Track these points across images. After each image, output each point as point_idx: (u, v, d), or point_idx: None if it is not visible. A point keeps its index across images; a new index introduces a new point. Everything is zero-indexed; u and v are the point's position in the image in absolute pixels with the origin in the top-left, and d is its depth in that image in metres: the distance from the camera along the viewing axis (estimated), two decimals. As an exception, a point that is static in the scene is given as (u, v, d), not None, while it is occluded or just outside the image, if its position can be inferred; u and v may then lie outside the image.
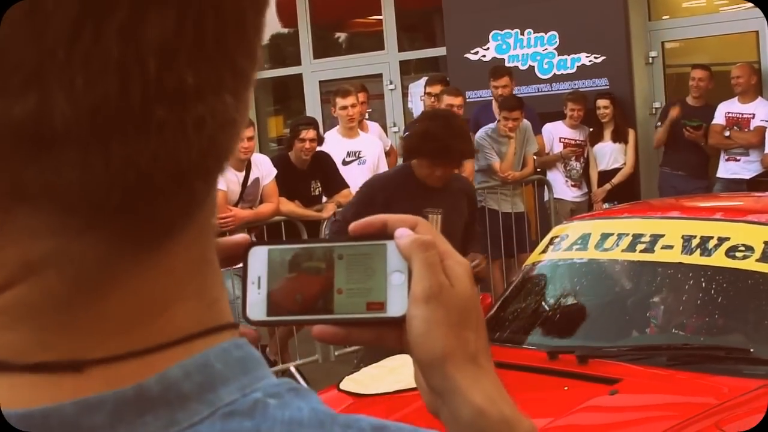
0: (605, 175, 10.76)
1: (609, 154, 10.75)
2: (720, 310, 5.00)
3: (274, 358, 8.78)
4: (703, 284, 5.00)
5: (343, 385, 5.11)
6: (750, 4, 10.13)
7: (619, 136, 10.73)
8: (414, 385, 4.03)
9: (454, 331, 0.95)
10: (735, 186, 9.86)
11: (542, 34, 11.59)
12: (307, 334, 7.86)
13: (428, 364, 0.96)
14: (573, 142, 10.81)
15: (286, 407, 0.70)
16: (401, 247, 0.96)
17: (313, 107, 13.57)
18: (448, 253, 0.97)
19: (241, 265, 0.98)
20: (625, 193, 10.41)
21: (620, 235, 5.34)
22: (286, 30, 14.80)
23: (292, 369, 8.61)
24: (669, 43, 11.55)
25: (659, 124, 10.82)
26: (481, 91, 11.16)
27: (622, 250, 5.27)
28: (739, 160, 10.24)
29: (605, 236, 5.42)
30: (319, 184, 8.83)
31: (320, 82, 13.94)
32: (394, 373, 5.13)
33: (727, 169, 10.35)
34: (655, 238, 5.18)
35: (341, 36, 15.00)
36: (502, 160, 9.94)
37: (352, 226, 0.99)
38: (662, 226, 5.33)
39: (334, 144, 9.39)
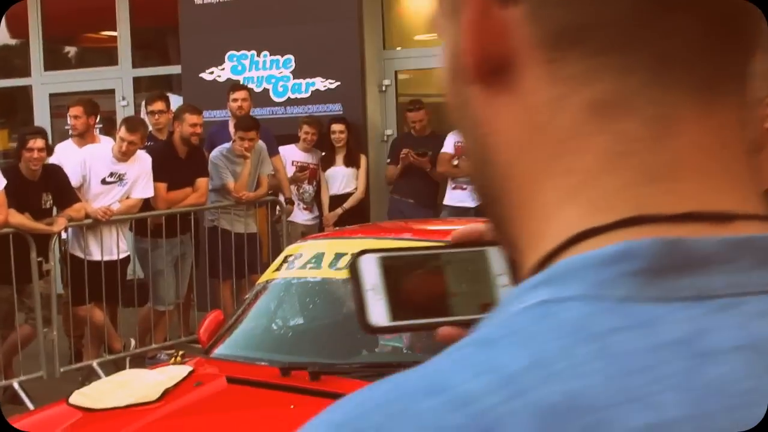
0: (337, 200, 10.93)
1: (341, 179, 10.94)
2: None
3: (-5, 374, 8.53)
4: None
5: (73, 400, 5.03)
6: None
7: (351, 161, 10.93)
8: (145, 399, 4.06)
9: None
10: (461, 214, 10.19)
11: (278, 57, 11.70)
12: (32, 350, 7.65)
13: None
14: (306, 165, 10.94)
15: None
16: None
17: (42, 120, 13.22)
18: None
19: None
20: (355, 218, 10.61)
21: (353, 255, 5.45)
22: (14, 41, 14.42)
23: (16, 385, 8.36)
24: (402, 72, 11.86)
25: (389, 161, 11.08)
26: (215, 111, 11.15)
27: (355, 270, 5.39)
28: (465, 189, 10.56)
29: (339, 256, 5.54)
30: (50, 196, 8.63)
31: (51, 95, 13.61)
32: (123, 387, 5.09)
33: (453, 197, 10.70)
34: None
35: (74, 49, 14.71)
36: (237, 180, 9.98)
37: (454, 234, 1.02)
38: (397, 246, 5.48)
39: (98, 160, 9.22)
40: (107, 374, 8.79)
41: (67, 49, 14.66)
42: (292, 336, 5.59)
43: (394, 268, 0.97)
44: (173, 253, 9.65)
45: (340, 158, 10.94)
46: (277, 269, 5.84)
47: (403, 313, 0.97)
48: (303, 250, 5.84)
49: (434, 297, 0.98)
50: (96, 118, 9.97)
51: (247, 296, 6.23)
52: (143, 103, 11.92)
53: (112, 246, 9.10)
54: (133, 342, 9.48)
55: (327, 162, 10.95)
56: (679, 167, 0.69)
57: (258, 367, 5.20)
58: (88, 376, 9.00)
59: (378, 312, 0.95)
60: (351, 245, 5.65)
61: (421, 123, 10.82)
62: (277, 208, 10.69)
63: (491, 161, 0.75)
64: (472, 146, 0.78)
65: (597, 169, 0.69)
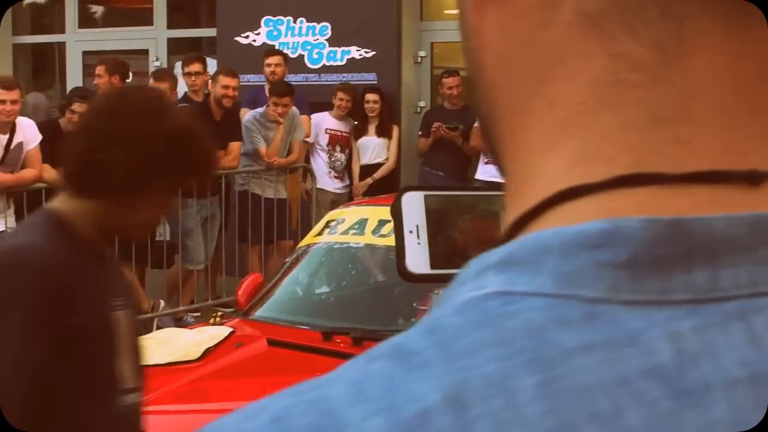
0: (367, 169, 10.89)
1: (372, 149, 10.89)
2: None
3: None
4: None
5: (113, 356, 5.00)
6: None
7: (383, 132, 10.88)
8: (186, 358, 3.96)
9: None
10: (492, 188, 10.15)
11: (315, 23, 11.65)
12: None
13: None
14: (339, 133, 10.90)
15: None
16: None
17: (75, 77, 13.21)
18: None
19: None
20: (385, 188, 10.56)
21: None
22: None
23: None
24: (438, 44, 11.79)
25: (420, 133, 11.05)
26: (249, 75, 11.10)
27: (399, 237, 5.36)
28: (497, 163, 10.55)
29: (383, 222, 5.51)
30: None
31: (84, 52, 13.58)
32: (164, 345, 5.08)
33: (485, 172, 10.63)
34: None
35: (108, 8, 14.67)
36: (269, 145, 9.94)
37: None
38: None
39: None
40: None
41: (102, 7, 14.61)
42: (334, 301, 5.57)
43: (439, 209, 0.91)
44: (202, 214, 9.61)
45: (372, 128, 10.89)
46: (319, 234, 5.81)
47: (445, 261, 0.90)
48: (346, 215, 5.81)
49: (480, 245, 0.86)
50: (120, 77, 9.78)
51: (287, 260, 6.20)
52: (179, 64, 11.90)
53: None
54: (162, 303, 9.46)
55: (359, 131, 10.91)
56: (694, 105, 0.54)
57: (299, 330, 5.18)
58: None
59: (417, 257, 0.89)
60: (395, 212, 5.61)
61: (457, 89, 10.76)
62: (308, 175, 10.66)
63: (480, 82, 0.63)
64: (467, 65, 0.66)
65: (589, 103, 0.56)
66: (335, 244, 5.71)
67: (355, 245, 5.60)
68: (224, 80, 9.50)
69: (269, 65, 10.40)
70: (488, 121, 0.63)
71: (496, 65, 0.61)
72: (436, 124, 10.66)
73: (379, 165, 10.89)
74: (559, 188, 0.55)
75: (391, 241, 5.43)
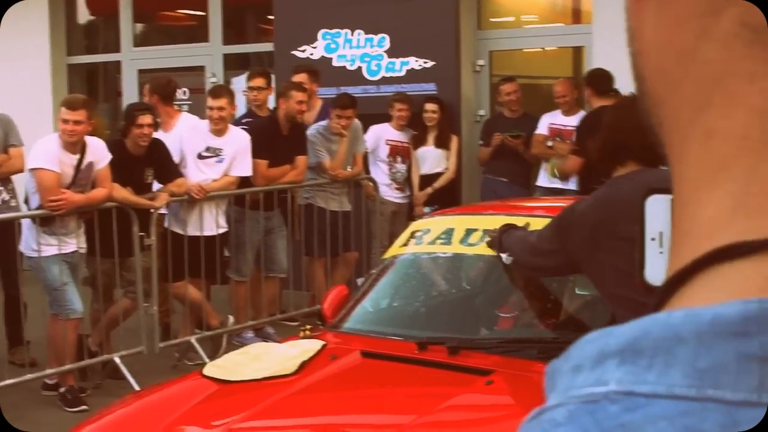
0: (427, 179, 10.85)
1: (432, 159, 10.86)
2: (585, 305, 5.11)
3: (95, 348, 8.54)
4: (571, 279, 5.11)
5: (207, 371, 5.00)
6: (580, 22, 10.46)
7: (441, 142, 10.85)
8: (282, 372, 4.00)
9: None
10: (555, 195, 10.09)
11: (373, 35, 11.64)
12: (130, 323, 7.61)
13: None
14: (399, 144, 10.88)
15: None
16: None
17: (130, 97, 13.26)
18: None
19: None
20: (446, 198, 10.56)
21: (486, 231, 5.39)
22: (103, 16, 14.48)
23: (117, 360, 8.38)
24: (497, 52, 11.75)
25: (482, 142, 11.01)
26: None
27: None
28: (560, 170, 10.49)
29: (470, 231, 5.47)
30: (152, 171, 8.62)
31: (139, 71, 13.63)
32: (258, 360, 5.06)
33: (546, 178, 10.60)
34: (521, 234, 5.24)
35: (163, 25, 14.72)
36: (333, 158, 9.94)
37: None
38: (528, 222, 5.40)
39: (195, 135, 9.17)
40: (204, 351, 8.81)
41: (157, 25, 14.67)
42: (425, 311, 5.53)
43: None
44: (258, 227, 9.59)
45: (431, 138, 10.85)
46: (405, 244, 5.77)
47: None
48: (431, 225, 5.77)
49: None
50: (160, 98, 9.65)
51: (373, 271, 6.17)
52: (235, 79, 11.94)
53: (211, 222, 9.09)
54: (231, 318, 9.45)
55: (418, 141, 10.87)
56: None
57: (393, 341, 5.14)
58: (185, 353, 9.02)
59: (658, 268, 0.80)
60: (481, 221, 5.57)
61: (516, 95, 10.71)
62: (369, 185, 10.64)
63: (642, 92, 0.56)
64: (631, 68, 0.58)
65: (754, 138, 0.47)
66: (422, 255, 5.68)
67: (443, 255, 5.57)
68: (297, 95, 9.49)
69: (251, 89, 10.29)
70: (655, 137, 0.57)
71: (656, 78, 0.54)
72: (497, 136, 10.61)
73: (438, 175, 10.85)
74: (715, 244, 0.47)
75: (479, 249, 5.41)
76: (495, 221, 5.50)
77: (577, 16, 11.68)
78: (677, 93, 0.52)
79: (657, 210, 0.73)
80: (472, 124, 11.52)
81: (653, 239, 0.72)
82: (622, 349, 0.46)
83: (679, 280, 0.49)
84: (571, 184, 10.46)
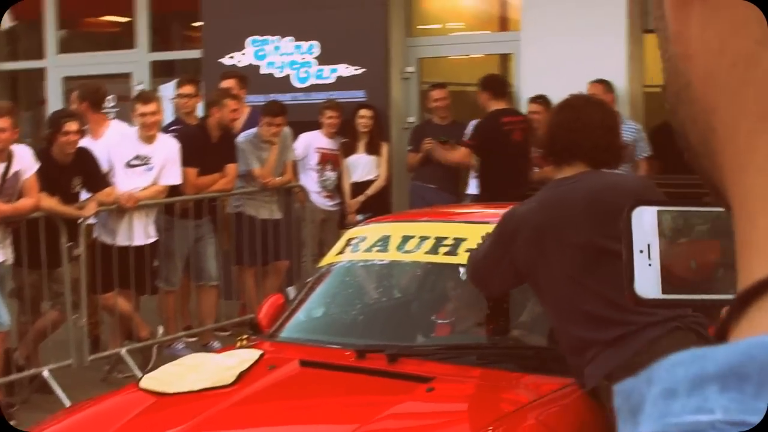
0: (358, 187, 10.82)
1: (362, 166, 10.82)
2: (526, 311, 5.12)
3: (23, 362, 8.38)
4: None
5: (144, 384, 4.91)
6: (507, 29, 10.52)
7: (373, 149, 10.82)
8: (220, 383, 3.97)
9: None
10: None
11: (302, 42, 11.59)
12: (58, 336, 7.47)
13: None
14: (329, 152, 10.84)
15: None
16: None
17: (55, 104, 13.06)
18: None
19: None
20: (377, 205, 10.54)
21: (422, 238, 5.37)
22: (26, 21, 14.26)
23: (46, 374, 8.22)
24: (426, 59, 11.77)
25: (410, 148, 11.01)
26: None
27: (425, 252, 5.31)
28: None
29: (406, 238, 5.45)
30: (80, 180, 8.49)
31: (65, 78, 13.44)
32: (194, 371, 4.99)
33: (476, 186, 10.61)
34: (458, 241, 5.25)
35: (89, 32, 14.55)
36: (263, 166, 9.88)
37: None
38: (464, 229, 5.41)
39: (123, 142, 9.06)
40: (135, 362, 8.69)
41: (83, 31, 14.49)
42: (363, 318, 5.51)
43: (672, 227, 0.81)
44: (188, 236, 9.50)
45: (362, 145, 10.82)
46: (341, 252, 5.74)
47: (679, 286, 0.81)
48: (367, 233, 5.74)
49: (705, 267, 0.80)
50: (89, 104, 9.52)
51: (309, 279, 6.13)
52: (162, 87, 11.82)
53: (141, 231, 8.97)
54: (161, 329, 9.35)
55: (348, 149, 10.83)
56: None
57: (331, 350, 5.11)
58: (115, 365, 8.89)
59: (645, 281, 0.80)
60: (417, 228, 5.56)
61: (445, 101, 10.71)
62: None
63: (686, 99, 0.53)
64: (665, 71, 0.55)
65: None
66: (359, 262, 5.65)
67: (380, 262, 5.54)
68: (231, 104, 9.44)
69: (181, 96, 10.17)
70: (701, 148, 0.53)
71: (707, 84, 0.51)
72: (427, 140, 10.61)
73: (369, 182, 10.82)
74: None
75: (416, 256, 5.40)
76: (430, 228, 5.50)
77: (504, 23, 11.74)
78: (735, 100, 0.49)
79: (643, 222, 0.71)
80: (402, 131, 11.51)
81: (641, 251, 0.71)
82: (723, 374, 0.42)
83: (755, 292, 0.46)
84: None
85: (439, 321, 5.35)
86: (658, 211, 0.81)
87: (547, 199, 4.35)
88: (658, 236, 0.80)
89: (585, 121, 4.38)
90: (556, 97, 9.85)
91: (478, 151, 9.70)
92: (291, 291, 9.97)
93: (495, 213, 6.11)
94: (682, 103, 0.54)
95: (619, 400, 0.47)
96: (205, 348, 9.16)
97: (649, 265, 0.79)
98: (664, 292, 0.80)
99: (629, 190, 4.28)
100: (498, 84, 9.75)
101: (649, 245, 0.80)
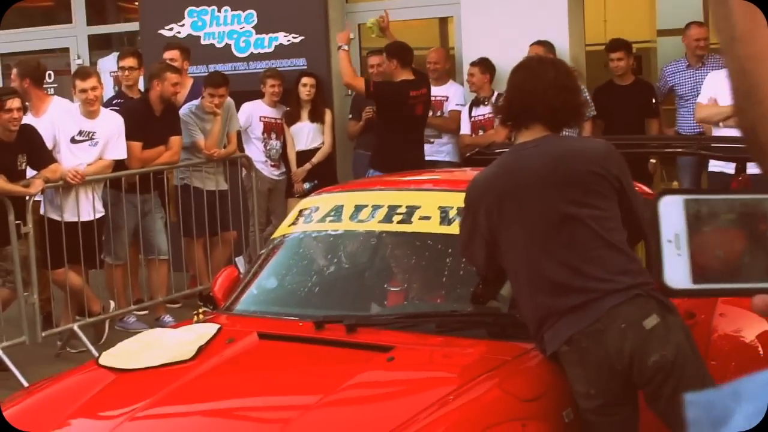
0: (303, 155, 10.82)
1: (306, 134, 10.82)
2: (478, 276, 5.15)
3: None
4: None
5: (103, 361, 4.92)
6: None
7: (316, 116, 10.82)
8: (180, 358, 4.05)
9: None
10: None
11: (240, 12, 11.54)
12: (10, 313, 7.44)
13: None
14: (272, 120, 10.83)
15: None
16: None
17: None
18: None
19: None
20: (323, 173, 10.57)
21: (375, 207, 5.40)
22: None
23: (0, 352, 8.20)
24: (366, 25, 11.72)
25: (351, 116, 11.02)
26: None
27: (379, 221, 5.34)
28: (433, 143, 10.54)
29: (359, 207, 5.47)
30: (25, 158, 8.43)
31: (1, 55, 13.28)
32: (153, 347, 5.00)
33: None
34: (412, 209, 5.28)
35: (24, 7, 14.35)
36: (207, 137, 9.86)
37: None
38: (418, 197, 5.44)
39: (66, 118, 9.00)
40: (87, 337, 8.68)
41: (17, 7, 14.28)
42: (319, 289, 5.52)
43: (700, 215, 0.80)
44: (134, 210, 9.48)
45: (305, 113, 10.82)
46: (293, 223, 5.75)
47: (710, 275, 0.80)
48: (319, 203, 5.76)
49: (731, 256, 0.80)
50: (31, 80, 9.51)
51: (262, 251, 6.14)
52: (101, 60, 11.73)
53: (88, 207, 8.94)
54: (112, 304, 9.34)
55: (292, 117, 10.82)
56: None
57: (289, 321, 5.13)
58: (68, 340, 8.88)
59: (675, 271, 0.80)
60: (370, 197, 5.59)
61: (380, 68, 10.69)
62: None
63: (755, 100, 0.52)
64: (730, 70, 0.54)
65: None
66: (312, 233, 5.67)
67: (333, 232, 5.56)
68: (171, 77, 9.39)
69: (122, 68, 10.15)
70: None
71: None
72: (367, 110, 10.61)
73: (314, 150, 10.82)
74: None
75: (372, 225, 5.43)
76: (383, 197, 5.53)
77: (443, -14, 11.74)
78: None
79: (671, 211, 0.70)
80: (344, 98, 11.51)
81: (670, 241, 0.69)
82: None
83: None
84: (445, 155, 10.56)
85: (392, 289, 5.37)
86: (685, 200, 0.80)
87: (509, 164, 4.39)
88: (686, 225, 0.79)
89: (537, 82, 4.40)
90: (497, 59, 10.01)
91: (376, 99, 9.65)
92: (240, 261, 9.99)
93: (448, 179, 6.21)
94: (752, 104, 0.53)
95: (696, 412, 0.48)
96: (157, 321, 9.17)
97: (678, 254, 0.78)
98: (694, 281, 0.79)
99: (591, 155, 4.33)
100: (405, 52, 9.69)
101: (677, 235, 0.79)
